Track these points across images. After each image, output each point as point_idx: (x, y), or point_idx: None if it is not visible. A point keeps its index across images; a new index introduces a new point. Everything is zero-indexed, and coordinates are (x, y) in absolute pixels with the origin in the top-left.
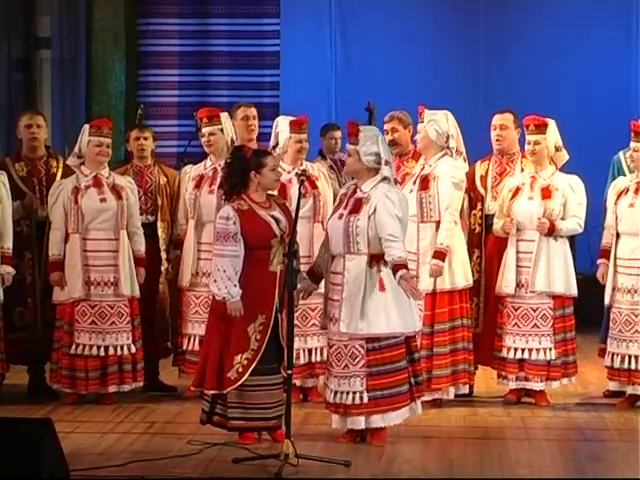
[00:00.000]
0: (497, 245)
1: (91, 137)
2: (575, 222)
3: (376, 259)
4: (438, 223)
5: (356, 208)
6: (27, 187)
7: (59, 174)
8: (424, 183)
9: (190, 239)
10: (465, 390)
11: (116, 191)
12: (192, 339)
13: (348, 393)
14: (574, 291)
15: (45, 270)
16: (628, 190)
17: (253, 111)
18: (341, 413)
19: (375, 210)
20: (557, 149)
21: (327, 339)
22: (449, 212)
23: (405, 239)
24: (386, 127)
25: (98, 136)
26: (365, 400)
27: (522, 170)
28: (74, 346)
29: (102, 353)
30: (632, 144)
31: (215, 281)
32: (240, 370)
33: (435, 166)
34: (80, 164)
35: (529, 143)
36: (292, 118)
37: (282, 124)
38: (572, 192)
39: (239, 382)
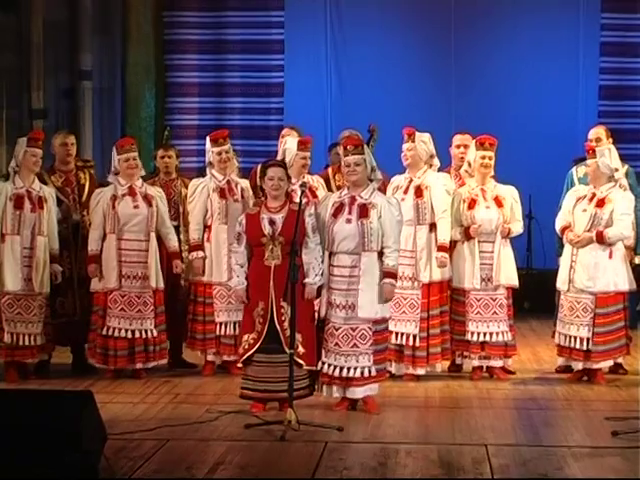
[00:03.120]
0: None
1: (119, 155)
2: (520, 225)
3: (381, 254)
4: (430, 225)
5: (364, 213)
6: (64, 195)
7: (87, 184)
8: (418, 192)
9: (220, 241)
10: (446, 364)
11: (147, 200)
12: (227, 325)
13: (356, 368)
14: (517, 283)
15: (81, 265)
16: (585, 197)
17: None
18: (342, 385)
19: (381, 215)
20: None
21: (329, 324)
22: (447, 214)
23: (401, 239)
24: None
25: (125, 153)
26: (373, 373)
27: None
28: (106, 328)
29: (129, 335)
30: (588, 161)
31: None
32: (246, 347)
33: (423, 178)
34: (116, 177)
35: (483, 158)
36: (299, 138)
37: (289, 142)
38: (514, 201)
39: (244, 357)
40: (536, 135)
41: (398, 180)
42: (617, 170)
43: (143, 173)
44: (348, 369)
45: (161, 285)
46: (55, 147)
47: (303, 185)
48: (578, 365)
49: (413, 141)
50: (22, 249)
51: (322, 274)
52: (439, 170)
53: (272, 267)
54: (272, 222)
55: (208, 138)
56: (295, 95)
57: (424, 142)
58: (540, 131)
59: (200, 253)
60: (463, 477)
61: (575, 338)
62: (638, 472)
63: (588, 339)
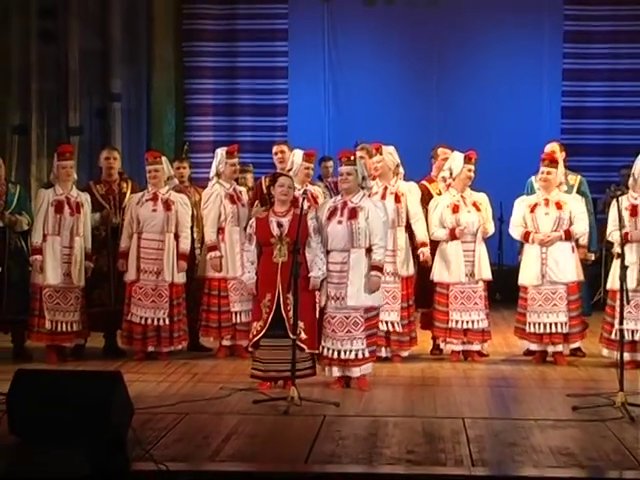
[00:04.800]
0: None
1: (147, 167)
2: (492, 226)
3: (370, 250)
4: (406, 227)
5: (353, 215)
6: (105, 202)
7: (128, 193)
8: (397, 198)
9: (233, 241)
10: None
11: (167, 204)
12: (241, 314)
13: (351, 351)
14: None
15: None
16: (540, 204)
17: (280, 147)
18: (341, 365)
19: (369, 217)
20: None
21: (326, 313)
22: (421, 217)
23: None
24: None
25: (149, 165)
26: (367, 355)
27: (440, 192)
28: (130, 315)
29: (143, 322)
30: (542, 169)
31: None
32: (254, 333)
33: (396, 186)
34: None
35: (470, 170)
36: (305, 151)
37: (297, 155)
38: (488, 205)
39: (253, 341)
40: (507, 149)
41: (373, 188)
42: (561, 184)
43: (177, 182)
44: (344, 352)
45: (178, 279)
46: (101, 161)
47: (304, 193)
48: (558, 348)
49: (381, 154)
50: (62, 248)
51: (324, 269)
52: (420, 179)
53: (279, 264)
54: (280, 224)
55: (222, 151)
56: (297, 115)
57: (390, 153)
58: (510, 146)
59: (217, 253)
60: (443, 445)
61: (556, 324)
62: (594, 442)
63: (566, 323)
